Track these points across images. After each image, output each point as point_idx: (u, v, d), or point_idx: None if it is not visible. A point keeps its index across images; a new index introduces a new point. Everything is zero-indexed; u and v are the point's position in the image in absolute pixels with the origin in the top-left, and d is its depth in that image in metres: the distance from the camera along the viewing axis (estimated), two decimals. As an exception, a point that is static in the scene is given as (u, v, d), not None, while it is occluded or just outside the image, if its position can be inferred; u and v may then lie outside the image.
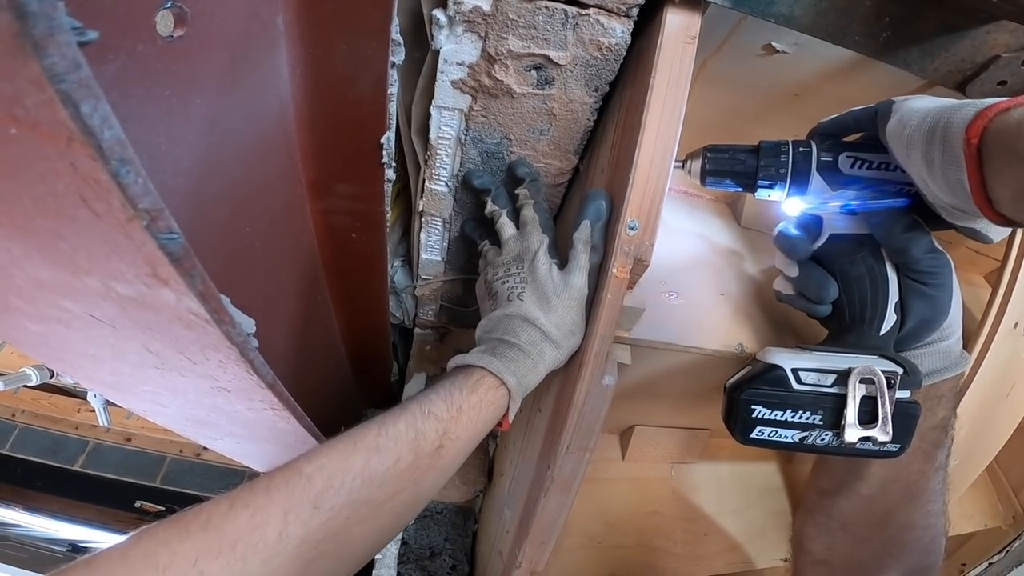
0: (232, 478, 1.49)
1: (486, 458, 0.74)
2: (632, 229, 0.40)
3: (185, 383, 0.32)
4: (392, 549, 0.67)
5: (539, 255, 0.44)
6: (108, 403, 1.23)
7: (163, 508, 1.45)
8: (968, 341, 0.56)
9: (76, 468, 1.47)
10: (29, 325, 0.28)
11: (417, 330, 0.76)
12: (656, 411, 0.65)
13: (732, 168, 0.43)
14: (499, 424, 0.42)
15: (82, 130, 0.14)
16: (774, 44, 0.41)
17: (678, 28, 0.36)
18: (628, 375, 0.44)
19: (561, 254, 0.45)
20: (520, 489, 0.57)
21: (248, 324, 0.31)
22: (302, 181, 0.44)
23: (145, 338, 0.26)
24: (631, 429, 0.66)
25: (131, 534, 0.26)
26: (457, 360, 0.42)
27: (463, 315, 0.71)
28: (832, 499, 0.49)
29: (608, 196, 0.42)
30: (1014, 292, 0.51)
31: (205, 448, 1.41)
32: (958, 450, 0.58)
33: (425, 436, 0.35)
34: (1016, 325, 0.54)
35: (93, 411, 1.27)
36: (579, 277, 0.42)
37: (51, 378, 1.20)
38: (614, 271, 0.41)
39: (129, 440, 1.51)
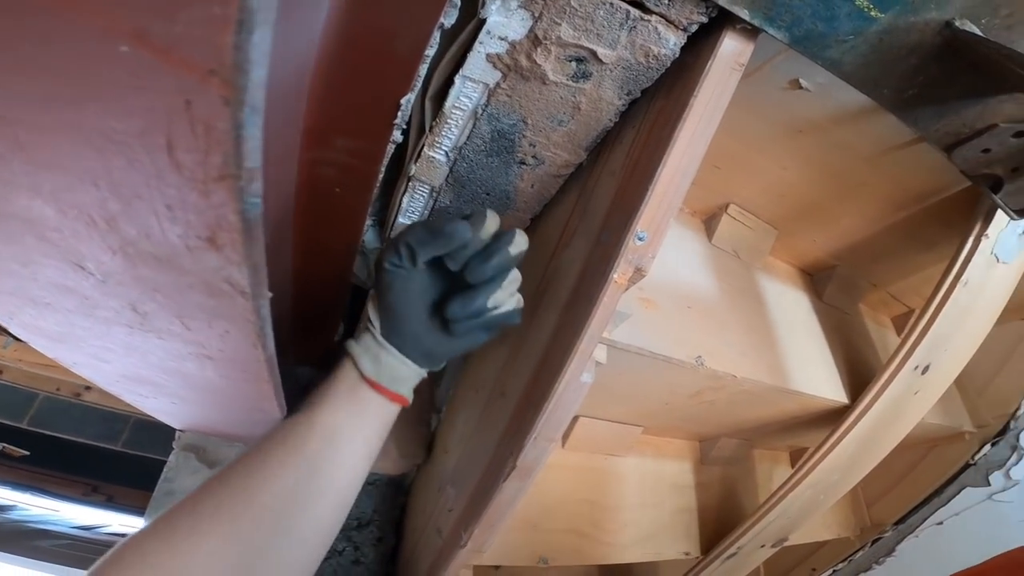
0: (114, 423, 1.33)
1: (427, 432, 0.74)
2: (641, 239, 0.41)
3: (158, 345, 0.28)
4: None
5: None
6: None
7: (28, 453, 1.26)
8: (872, 375, 0.64)
9: (-72, 403, 1.22)
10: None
11: (372, 292, 0.72)
12: (602, 406, 0.67)
13: None
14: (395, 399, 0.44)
15: (236, 63, 0.10)
16: (801, 81, 0.43)
17: (731, 53, 0.36)
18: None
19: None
20: (471, 470, 0.57)
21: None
22: (300, 127, 0.39)
23: (138, 297, 0.22)
24: (576, 419, 0.68)
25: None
26: None
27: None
28: None
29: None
30: (924, 340, 0.59)
31: (87, 388, 1.24)
32: (839, 467, 0.67)
33: (295, 425, 0.38)
34: (916, 367, 0.62)
35: (-38, 338, 1.05)
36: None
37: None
38: (615, 276, 0.41)
39: (-1, 374, 1.28)
